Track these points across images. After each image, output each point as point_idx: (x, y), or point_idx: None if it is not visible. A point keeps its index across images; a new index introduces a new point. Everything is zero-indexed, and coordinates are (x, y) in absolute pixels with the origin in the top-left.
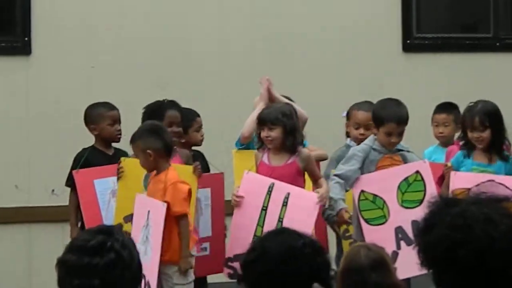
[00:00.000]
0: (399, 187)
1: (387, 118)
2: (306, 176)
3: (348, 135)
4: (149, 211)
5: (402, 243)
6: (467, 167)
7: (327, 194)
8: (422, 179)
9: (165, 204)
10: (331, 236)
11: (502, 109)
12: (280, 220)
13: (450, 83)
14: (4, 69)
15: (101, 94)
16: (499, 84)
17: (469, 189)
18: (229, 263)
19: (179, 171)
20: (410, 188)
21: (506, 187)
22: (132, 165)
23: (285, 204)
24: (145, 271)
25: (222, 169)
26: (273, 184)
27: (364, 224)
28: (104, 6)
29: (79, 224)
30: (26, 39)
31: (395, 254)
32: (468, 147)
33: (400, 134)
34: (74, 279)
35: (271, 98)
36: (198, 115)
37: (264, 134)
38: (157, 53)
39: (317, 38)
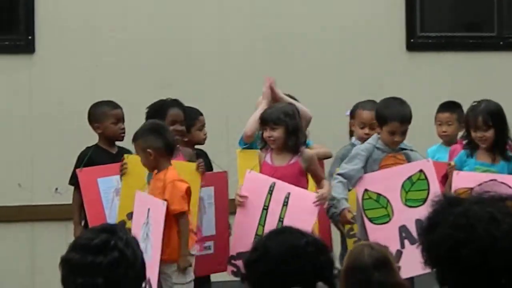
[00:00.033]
0: (402, 186)
1: (390, 117)
2: (310, 176)
3: (351, 134)
4: (149, 209)
5: (406, 242)
6: (470, 166)
7: (328, 195)
8: (426, 178)
9: (165, 203)
10: (336, 235)
11: (505, 108)
12: (281, 220)
13: (453, 82)
14: (7, 68)
15: (104, 93)
16: (503, 83)
17: (471, 189)
18: (233, 261)
19: (182, 168)
20: (413, 187)
21: (509, 186)
22: (136, 162)
23: (285, 204)
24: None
25: (223, 169)
26: (274, 183)
27: (368, 223)
28: (107, 6)
29: (83, 223)
30: (29, 37)
31: (399, 253)
32: (471, 147)
33: (404, 133)
34: (77, 277)
35: (274, 97)
36: (201, 114)
37: (266, 134)
38: (160, 54)
39: (319, 38)
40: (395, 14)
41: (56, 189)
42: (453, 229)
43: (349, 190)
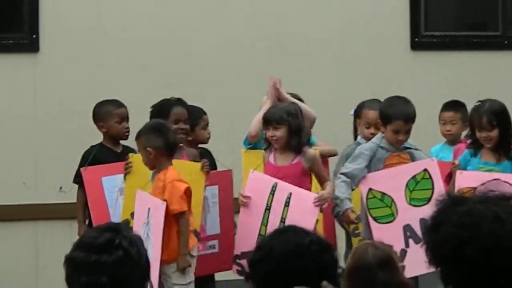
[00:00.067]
0: (407, 185)
1: (394, 116)
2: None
3: (356, 133)
4: (149, 209)
5: (411, 241)
6: (474, 166)
7: (328, 196)
8: (430, 177)
9: (165, 203)
10: (340, 233)
11: (509, 107)
12: (283, 220)
13: (458, 81)
14: (12, 67)
15: (108, 92)
16: (507, 82)
17: (474, 188)
18: (237, 260)
19: (187, 168)
20: (418, 186)
21: None
22: (140, 162)
23: (287, 204)
24: None
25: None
26: (276, 184)
27: (372, 222)
28: (111, 6)
29: (87, 222)
30: (33, 36)
31: (404, 252)
32: (476, 146)
33: (408, 132)
34: (82, 276)
35: (279, 97)
36: (205, 113)
37: (269, 133)
38: (162, 54)
39: (322, 38)
40: (400, 13)
41: (61, 188)
42: (457, 228)
43: (353, 190)
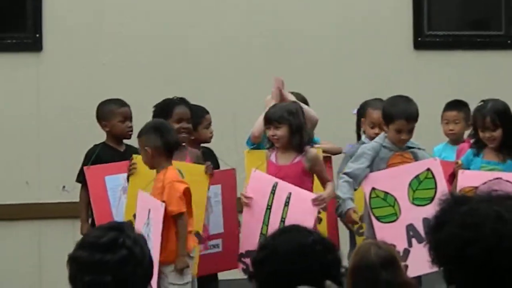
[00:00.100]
0: (410, 184)
1: (396, 115)
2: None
3: (359, 132)
4: (149, 210)
5: (414, 240)
6: (477, 165)
7: (328, 197)
8: (433, 176)
9: (163, 204)
10: (344, 233)
11: None
12: (283, 220)
13: (461, 80)
14: (15, 65)
15: (112, 91)
16: (510, 81)
17: (476, 188)
18: (242, 259)
19: (191, 171)
20: (421, 186)
21: None
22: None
23: (287, 204)
24: None
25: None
26: (276, 183)
27: (375, 222)
28: (115, 5)
29: (90, 221)
30: (37, 35)
31: (407, 252)
32: (479, 146)
33: (410, 131)
34: (85, 275)
35: (282, 99)
36: (207, 112)
37: (270, 133)
38: (161, 51)
39: (321, 35)
40: (403, 12)
41: (64, 187)
42: (460, 228)
43: (356, 189)
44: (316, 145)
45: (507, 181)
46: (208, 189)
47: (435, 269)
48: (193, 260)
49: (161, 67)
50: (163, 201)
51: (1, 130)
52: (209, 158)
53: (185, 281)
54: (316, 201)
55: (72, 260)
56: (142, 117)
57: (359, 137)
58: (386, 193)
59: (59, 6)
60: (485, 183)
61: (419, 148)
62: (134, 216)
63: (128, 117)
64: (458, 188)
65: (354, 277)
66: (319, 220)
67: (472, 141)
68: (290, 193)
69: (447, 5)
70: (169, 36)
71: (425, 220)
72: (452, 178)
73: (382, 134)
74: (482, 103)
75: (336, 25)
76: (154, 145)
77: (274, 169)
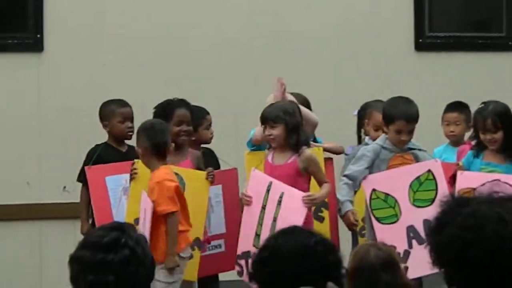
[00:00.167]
0: (410, 186)
1: (396, 116)
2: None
3: (359, 133)
4: (145, 209)
5: (414, 242)
6: (476, 166)
7: (320, 197)
8: (434, 178)
9: (151, 203)
10: (346, 234)
11: None
12: (274, 219)
13: (462, 82)
14: (16, 66)
15: (112, 92)
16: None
17: (474, 189)
18: (238, 260)
19: (192, 177)
20: (421, 187)
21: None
22: (146, 167)
23: (279, 203)
24: None
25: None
26: (271, 182)
27: (375, 223)
28: (116, 5)
29: (90, 221)
30: (38, 36)
31: (407, 253)
32: (479, 148)
33: (410, 132)
34: (88, 275)
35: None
36: (208, 113)
37: (266, 132)
38: (170, 52)
39: (322, 36)
40: (404, 14)
41: (64, 187)
42: (461, 230)
43: (356, 191)
44: (317, 144)
45: (506, 182)
46: (208, 194)
47: (436, 270)
48: (185, 261)
49: (162, 68)
50: (153, 201)
51: (2, 130)
52: (209, 158)
53: (172, 280)
54: (306, 200)
55: (74, 260)
56: (143, 118)
57: (359, 139)
58: (387, 194)
59: (60, 7)
60: (483, 184)
61: (420, 149)
62: (135, 221)
63: (128, 118)
64: (456, 189)
65: (354, 279)
66: (321, 219)
67: (473, 143)
68: (282, 193)
69: (448, 7)
70: (170, 37)
71: (425, 221)
72: (453, 179)
73: (383, 135)
74: (483, 105)
75: (337, 26)
76: (143, 145)
77: (269, 168)
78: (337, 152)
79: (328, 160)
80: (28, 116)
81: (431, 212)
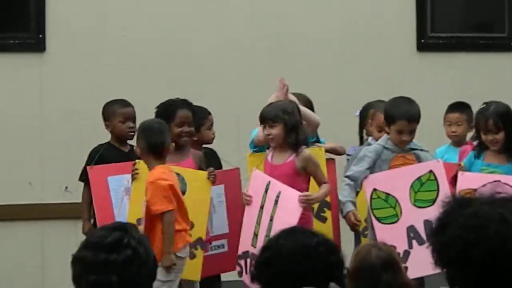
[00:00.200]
0: (412, 186)
1: (398, 116)
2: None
3: (361, 134)
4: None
5: (414, 242)
6: (477, 167)
7: (317, 198)
8: (436, 178)
9: (145, 202)
10: (349, 234)
11: None
12: (271, 218)
13: (464, 82)
14: (18, 66)
15: (114, 92)
16: None
17: (475, 190)
18: (239, 261)
19: (193, 177)
20: (423, 188)
21: None
22: (147, 168)
23: (276, 202)
24: None
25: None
26: (269, 182)
27: (375, 223)
28: (118, 6)
29: (92, 221)
30: (40, 36)
31: (407, 253)
32: (481, 148)
33: (412, 132)
34: (90, 275)
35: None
36: (210, 113)
37: (265, 132)
38: (173, 54)
39: (325, 38)
40: (406, 14)
41: (66, 187)
42: (463, 230)
43: (358, 192)
44: (319, 145)
45: (506, 184)
46: (210, 195)
47: (435, 271)
48: (183, 260)
49: (165, 70)
50: (147, 201)
51: (4, 130)
52: (211, 159)
53: (168, 279)
54: (302, 200)
55: (77, 260)
56: (144, 120)
57: (361, 139)
58: (388, 194)
59: (62, 7)
60: (484, 185)
61: (422, 150)
62: (137, 221)
63: (129, 118)
64: (457, 190)
65: (355, 279)
66: (324, 219)
67: (475, 143)
68: (279, 192)
69: (450, 7)
70: (173, 39)
71: (426, 222)
72: (454, 180)
73: (385, 136)
74: (484, 105)
75: (340, 28)
76: (141, 146)
77: (269, 168)
78: (339, 153)
79: (330, 161)
80: (30, 116)
81: (432, 212)
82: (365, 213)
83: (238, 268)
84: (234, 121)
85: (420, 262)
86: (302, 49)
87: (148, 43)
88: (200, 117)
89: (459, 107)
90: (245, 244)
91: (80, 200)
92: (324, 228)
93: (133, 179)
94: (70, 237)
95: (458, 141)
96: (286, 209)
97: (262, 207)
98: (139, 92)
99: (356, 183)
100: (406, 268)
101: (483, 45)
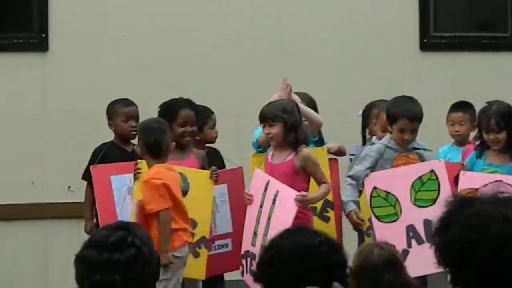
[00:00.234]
0: (412, 185)
1: (399, 114)
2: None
3: (364, 133)
4: None
5: (413, 241)
6: (479, 167)
7: (314, 198)
8: (437, 178)
9: (138, 203)
10: (352, 234)
11: None
12: (269, 218)
13: (467, 82)
14: (21, 65)
15: (117, 92)
16: None
17: (476, 189)
18: (241, 260)
19: (195, 176)
20: (423, 187)
21: None
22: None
23: (274, 202)
24: None
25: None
26: (268, 181)
27: (375, 221)
28: (120, 6)
29: (94, 220)
30: (43, 35)
31: (405, 252)
32: (482, 148)
33: (414, 131)
34: (94, 274)
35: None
36: (212, 112)
37: (265, 131)
38: (173, 54)
39: (325, 38)
40: (409, 14)
41: (69, 187)
42: (464, 230)
43: (361, 191)
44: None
45: (508, 184)
46: (213, 194)
47: (433, 270)
48: (182, 260)
49: (165, 70)
50: (140, 200)
51: (7, 130)
52: (214, 158)
53: (164, 277)
54: (298, 199)
55: (80, 260)
56: (144, 119)
57: (364, 139)
58: (388, 192)
59: (65, 6)
60: (485, 185)
61: (425, 149)
62: None
63: (131, 117)
64: (458, 190)
65: (358, 278)
66: (327, 219)
67: (477, 142)
68: (277, 191)
69: (453, 7)
70: (173, 39)
71: (426, 221)
72: (457, 179)
73: (388, 135)
74: (487, 104)
75: (340, 28)
76: (140, 146)
77: (269, 167)
78: (340, 153)
79: (333, 161)
80: (33, 116)
81: (432, 212)
82: (368, 212)
83: (241, 268)
84: (234, 121)
85: (419, 262)
86: (302, 49)
87: (148, 43)
88: (203, 116)
89: (462, 106)
90: (246, 244)
91: (82, 200)
92: (327, 228)
93: (135, 178)
94: (73, 236)
95: (461, 141)
96: (283, 208)
97: (261, 206)
98: (139, 92)
99: (358, 183)
100: (405, 267)
101: (486, 44)
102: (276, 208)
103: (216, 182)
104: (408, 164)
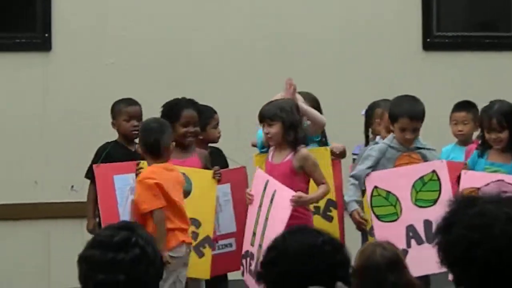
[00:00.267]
0: (413, 185)
1: (400, 113)
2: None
3: (367, 133)
4: None
5: (413, 241)
6: (480, 166)
7: (311, 199)
8: (438, 178)
9: (132, 202)
10: (355, 234)
11: None
12: (267, 217)
13: (469, 81)
14: (24, 65)
15: (119, 92)
16: None
17: (478, 189)
18: (242, 260)
19: (199, 176)
20: (425, 187)
21: None
22: None
23: (271, 201)
24: None
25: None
26: (267, 181)
27: (375, 220)
28: (123, 6)
29: (97, 219)
30: (46, 35)
31: (405, 252)
32: (484, 147)
33: (415, 130)
34: (98, 274)
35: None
36: (215, 112)
37: (264, 130)
38: (173, 54)
39: (324, 38)
40: (412, 13)
41: (72, 186)
42: (467, 230)
43: (364, 190)
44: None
45: (509, 183)
46: (216, 194)
47: (434, 270)
48: (181, 260)
49: (165, 70)
50: (134, 200)
51: (9, 129)
52: (217, 157)
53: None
54: (293, 200)
55: (83, 260)
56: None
57: (367, 139)
58: (388, 192)
59: (68, 6)
60: (487, 184)
61: (428, 149)
62: None
63: (134, 116)
64: (460, 189)
65: (360, 278)
66: (330, 218)
67: (479, 142)
68: (275, 191)
69: (455, 7)
70: (173, 39)
71: (426, 222)
72: (459, 179)
73: (391, 134)
74: (488, 104)
75: (340, 28)
76: (140, 145)
77: (269, 167)
78: (341, 153)
79: (335, 161)
80: (36, 116)
81: (432, 212)
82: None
83: (241, 268)
84: (234, 121)
85: (419, 262)
86: (302, 49)
87: (148, 43)
88: (206, 116)
89: (465, 106)
90: (246, 244)
91: (85, 199)
92: (330, 227)
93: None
94: (76, 236)
95: (464, 140)
96: (279, 208)
97: (260, 206)
98: (139, 92)
99: (360, 182)
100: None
101: (489, 44)
102: (273, 207)
103: (219, 182)
104: (410, 164)
